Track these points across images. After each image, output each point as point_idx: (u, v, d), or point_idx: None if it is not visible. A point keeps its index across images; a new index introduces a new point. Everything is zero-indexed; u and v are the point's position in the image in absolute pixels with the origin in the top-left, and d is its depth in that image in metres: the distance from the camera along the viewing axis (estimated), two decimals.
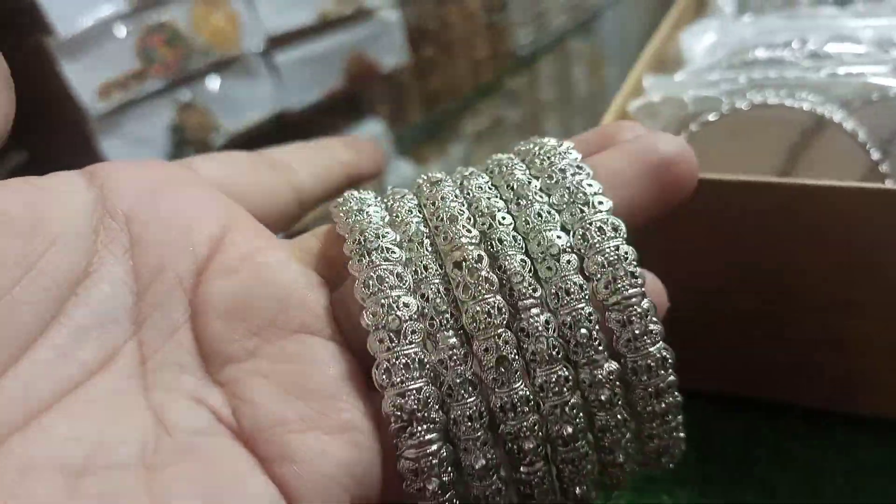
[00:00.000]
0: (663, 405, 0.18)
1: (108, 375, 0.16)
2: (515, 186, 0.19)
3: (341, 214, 0.19)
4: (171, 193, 0.18)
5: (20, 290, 0.15)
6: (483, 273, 0.18)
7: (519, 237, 0.19)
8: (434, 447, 0.17)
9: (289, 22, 0.65)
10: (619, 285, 0.18)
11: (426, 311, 0.18)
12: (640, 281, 0.18)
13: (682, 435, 0.19)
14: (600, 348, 0.18)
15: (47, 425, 0.15)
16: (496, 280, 0.18)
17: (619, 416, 0.18)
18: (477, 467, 0.17)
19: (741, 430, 0.27)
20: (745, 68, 0.30)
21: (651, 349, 0.18)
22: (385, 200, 0.20)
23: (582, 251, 0.18)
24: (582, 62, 0.96)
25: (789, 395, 0.28)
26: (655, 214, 0.19)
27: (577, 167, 0.19)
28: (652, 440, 0.19)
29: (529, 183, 0.19)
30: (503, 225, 0.19)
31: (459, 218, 0.19)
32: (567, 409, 0.17)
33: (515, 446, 0.17)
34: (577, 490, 0.18)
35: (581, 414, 0.18)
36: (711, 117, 0.28)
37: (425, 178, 0.20)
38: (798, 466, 0.26)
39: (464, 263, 0.18)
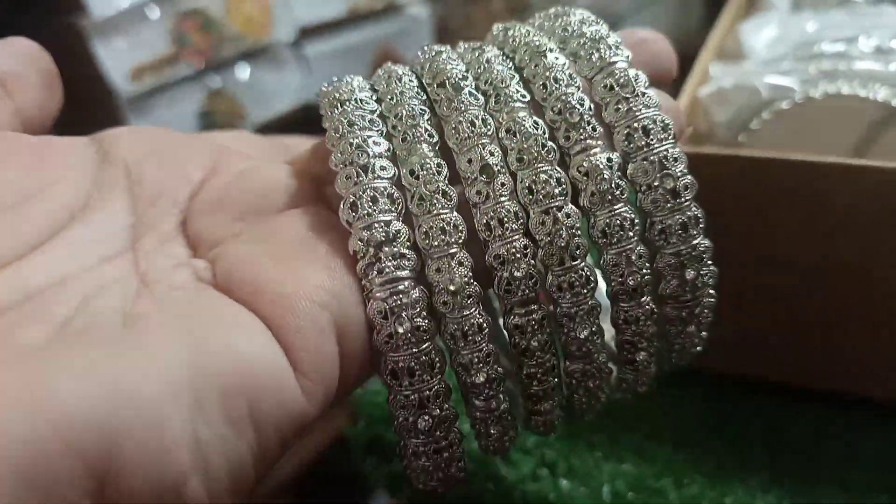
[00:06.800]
0: (671, 179, 0.16)
1: (102, 268, 0.16)
2: (508, 24, 0.19)
3: (323, 87, 0.19)
4: (167, 140, 0.19)
5: (21, 209, 0.15)
6: (468, 89, 0.17)
7: (508, 60, 0.18)
8: (405, 285, 0.15)
9: (320, 14, 0.64)
10: (603, 53, 0.17)
11: (398, 128, 0.17)
12: (625, 52, 0.17)
13: (707, 242, 0.17)
14: (594, 131, 0.16)
15: (39, 300, 0.14)
16: (482, 99, 0.17)
17: (624, 215, 0.16)
18: (452, 288, 0.15)
19: (811, 423, 0.27)
20: (814, 60, 0.30)
21: (646, 112, 0.16)
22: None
23: (562, 42, 0.18)
24: None
25: (860, 389, 0.28)
26: None
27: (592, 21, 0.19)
28: (669, 255, 0.16)
29: (531, 31, 0.19)
30: (492, 54, 0.18)
31: (444, 50, 0.18)
32: (561, 215, 0.16)
33: (506, 274, 0.16)
34: (581, 333, 0.16)
35: (576, 227, 0.16)
36: (785, 105, 0.28)
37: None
38: (869, 460, 0.25)
39: (447, 82, 0.17)
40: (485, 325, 0.16)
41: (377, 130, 0.17)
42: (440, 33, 0.76)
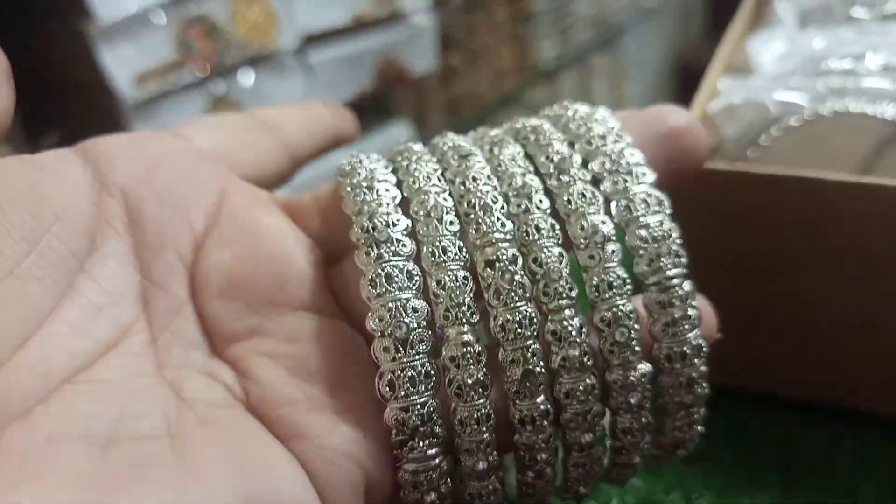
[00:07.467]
0: (691, 396, 0.17)
1: (121, 352, 0.16)
2: (556, 160, 0.18)
3: (349, 189, 0.18)
4: (166, 167, 0.18)
5: (28, 264, 0.15)
6: (517, 277, 0.16)
7: (556, 225, 0.17)
8: (435, 462, 0.16)
9: (324, 21, 0.64)
10: (662, 263, 0.17)
11: (441, 300, 0.16)
12: (683, 261, 0.17)
13: (700, 428, 0.18)
14: (637, 349, 0.17)
15: (68, 399, 0.14)
16: (529, 285, 0.16)
17: (643, 420, 0.17)
18: (478, 469, 0.16)
19: (823, 437, 0.27)
20: (822, 77, 0.30)
21: (689, 335, 0.17)
22: (398, 160, 0.18)
23: (624, 223, 0.17)
24: (604, 77, 0.97)
25: (872, 404, 0.28)
26: (663, 185, 0.18)
27: (618, 135, 0.18)
28: (671, 432, 0.18)
29: (571, 157, 0.18)
30: (540, 210, 0.17)
31: (494, 207, 0.17)
32: (589, 417, 0.17)
33: (528, 456, 0.17)
34: (581, 489, 0.18)
35: (602, 422, 0.17)
36: (793, 122, 0.29)
37: (450, 145, 0.19)
38: (881, 474, 0.25)
39: (497, 264, 0.16)
40: (500, 487, 0.17)
41: (415, 288, 0.16)
42: (444, 42, 0.77)
